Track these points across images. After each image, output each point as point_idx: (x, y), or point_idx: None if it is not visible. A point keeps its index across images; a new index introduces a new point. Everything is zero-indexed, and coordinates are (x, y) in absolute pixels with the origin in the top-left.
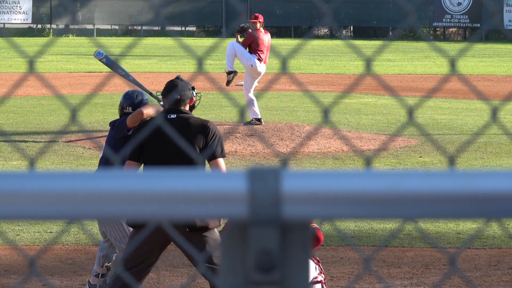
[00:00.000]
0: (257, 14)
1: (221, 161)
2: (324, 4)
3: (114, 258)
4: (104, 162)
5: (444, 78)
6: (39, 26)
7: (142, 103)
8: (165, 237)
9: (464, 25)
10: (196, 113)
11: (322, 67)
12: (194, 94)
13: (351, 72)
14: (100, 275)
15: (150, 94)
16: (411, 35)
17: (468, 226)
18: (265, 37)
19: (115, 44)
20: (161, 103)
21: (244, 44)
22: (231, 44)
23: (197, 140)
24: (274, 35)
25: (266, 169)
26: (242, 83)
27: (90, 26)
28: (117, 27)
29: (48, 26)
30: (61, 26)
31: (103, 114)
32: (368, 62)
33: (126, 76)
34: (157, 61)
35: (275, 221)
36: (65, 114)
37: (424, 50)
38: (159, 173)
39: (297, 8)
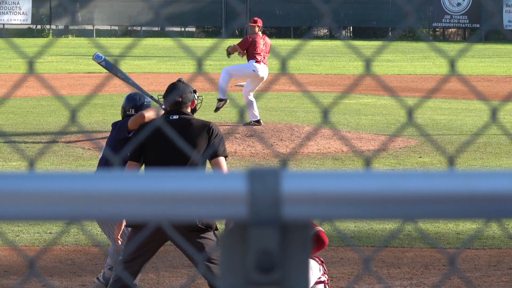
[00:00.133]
0: (256, 18)
1: (222, 159)
2: (324, 4)
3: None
4: (104, 162)
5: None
6: (39, 26)
7: (144, 105)
8: (164, 236)
9: (463, 25)
10: (196, 113)
11: (321, 68)
12: (196, 97)
13: (351, 72)
14: (113, 268)
15: (151, 97)
16: (411, 36)
17: (467, 226)
18: (262, 41)
19: (114, 45)
20: (163, 106)
21: (241, 46)
22: (224, 70)
23: (199, 140)
24: (273, 35)
25: (266, 170)
26: (243, 83)
27: (89, 27)
28: (116, 27)
29: (48, 26)
30: (61, 26)
31: (102, 114)
32: (368, 63)
33: (125, 79)
34: (156, 62)
35: (275, 222)
36: (65, 114)
37: (424, 50)
38: (159, 173)
39: (296, 8)
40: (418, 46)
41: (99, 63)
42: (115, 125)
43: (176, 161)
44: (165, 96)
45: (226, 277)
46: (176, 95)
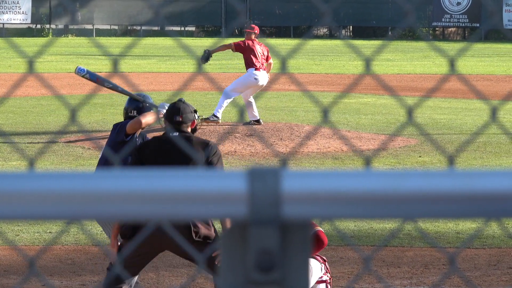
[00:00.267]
0: (253, 25)
1: None
2: (324, 4)
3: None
4: (103, 162)
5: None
6: (39, 26)
7: (146, 107)
8: (160, 246)
9: (463, 24)
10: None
11: (321, 67)
12: (196, 117)
13: (351, 72)
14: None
15: (142, 101)
16: (411, 35)
17: (467, 225)
18: (260, 48)
19: (114, 44)
20: (159, 109)
21: (236, 47)
22: (225, 92)
23: (197, 158)
24: (273, 35)
25: (266, 169)
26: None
27: (89, 26)
28: (116, 27)
29: (48, 26)
30: (61, 26)
31: (102, 114)
32: (368, 62)
33: (114, 88)
34: (156, 61)
35: (274, 221)
36: (65, 114)
37: (424, 50)
38: (158, 173)
39: (296, 8)
40: (418, 46)
41: (83, 76)
42: (115, 126)
43: None
44: (165, 116)
45: (226, 277)
46: (177, 115)
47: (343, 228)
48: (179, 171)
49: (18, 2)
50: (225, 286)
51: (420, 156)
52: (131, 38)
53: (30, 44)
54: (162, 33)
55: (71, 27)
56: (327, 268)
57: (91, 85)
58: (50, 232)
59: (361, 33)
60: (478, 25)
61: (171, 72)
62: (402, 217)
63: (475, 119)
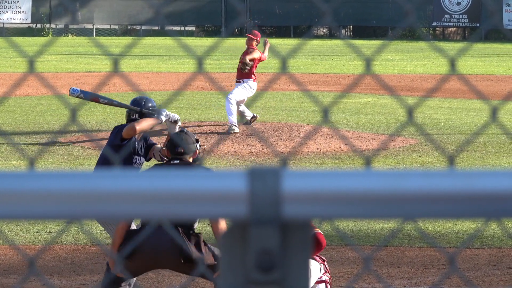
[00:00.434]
0: (256, 32)
1: None
2: (324, 3)
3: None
4: (102, 161)
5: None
6: (39, 25)
7: (147, 112)
8: (153, 266)
9: (463, 24)
10: (196, 112)
11: (321, 67)
12: (198, 147)
13: (351, 71)
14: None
15: (140, 111)
16: (411, 35)
17: (467, 225)
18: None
19: (114, 44)
20: (161, 116)
21: (254, 59)
22: (228, 100)
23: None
24: (273, 34)
25: (266, 169)
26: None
27: (89, 26)
28: (116, 26)
29: (48, 25)
30: (61, 25)
31: (102, 114)
32: (368, 62)
33: (109, 102)
34: (156, 61)
35: (275, 221)
36: (65, 114)
37: (424, 49)
38: (159, 173)
39: (296, 7)
40: (418, 45)
41: (77, 97)
42: (115, 128)
43: None
44: (167, 147)
45: (226, 277)
46: (178, 146)
47: (343, 228)
48: (179, 171)
49: (18, 2)
50: (225, 286)
51: (420, 156)
52: (131, 37)
53: (30, 43)
54: (162, 33)
55: (71, 26)
56: (326, 268)
57: (91, 85)
58: (50, 232)
59: (361, 33)
60: (478, 25)
61: (171, 72)
62: (402, 217)
63: (475, 119)
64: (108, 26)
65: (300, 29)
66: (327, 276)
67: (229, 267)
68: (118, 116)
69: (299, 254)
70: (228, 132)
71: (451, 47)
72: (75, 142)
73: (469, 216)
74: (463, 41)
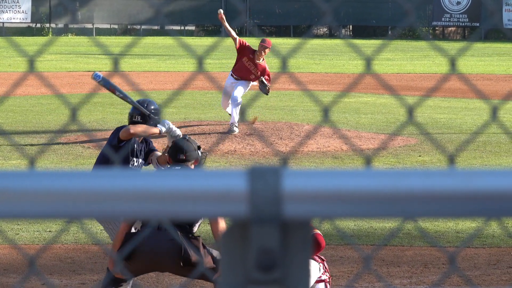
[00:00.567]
0: (269, 41)
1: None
2: (324, 3)
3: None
4: (100, 160)
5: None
6: (39, 25)
7: (151, 118)
8: (154, 266)
9: (463, 24)
10: (196, 111)
11: (321, 66)
12: (200, 154)
13: (351, 71)
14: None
15: (148, 115)
16: (411, 34)
17: (467, 225)
18: (253, 64)
19: (114, 43)
20: (160, 126)
21: (268, 74)
22: (234, 98)
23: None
24: (273, 34)
25: (266, 168)
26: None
27: (89, 25)
28: (116, 26)
29: (48, 25)
30: (61, 25)
31: (102, 113)
32: (368, 61)
33: (124, 97)
34: (156, 60)
35: (275, 220)
36: (65, 113)
37: (424, 49)
38: (159, 172)
39: (296, 7)
40: (418, 45)
41: (98, 82)
42: (117, 129)
43: None
44: (169, 153)
45: (227, 276)
46: (180, 153)
47: (343, 227)
48: (180, 171)
49: (18, 1)
50: (226, 285)
51: (420, 156)
52: (131, 37)
53: (30, 43)
54: (162, 32)
55: (71, 26)
56: (325, 268)
57: (91, 84)
58: (50, 231)
59: (361, 32)
60: (478, 24)
61: (171, 71)
62: (402, 216)
63: (475, 118)
64: (108, 26)
65: (300, 28)
66: (326, 276)
67: (230, 266)
68: (118, 116)
69: (299, 254)
70: (229, 131)
71: (451, 46)
72: (75, 142)
73: (469, 215)
74: (463, 41)
